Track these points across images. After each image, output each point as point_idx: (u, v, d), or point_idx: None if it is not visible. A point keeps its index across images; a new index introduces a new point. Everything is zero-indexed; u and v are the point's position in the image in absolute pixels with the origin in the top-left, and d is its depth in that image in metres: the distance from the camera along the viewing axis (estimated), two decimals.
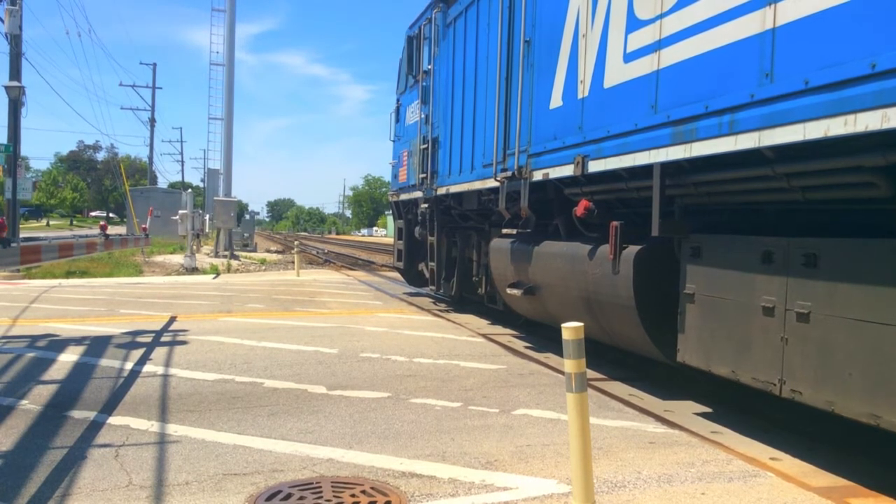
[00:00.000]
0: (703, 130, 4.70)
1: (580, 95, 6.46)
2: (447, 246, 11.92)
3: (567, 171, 6.64)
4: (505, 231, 8.97)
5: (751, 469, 4.23)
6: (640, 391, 6.41)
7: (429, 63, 11.75)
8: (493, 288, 9.87)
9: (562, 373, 6.12)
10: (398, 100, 14.21)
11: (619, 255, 5.89)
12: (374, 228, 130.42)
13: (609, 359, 7.53)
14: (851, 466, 4.42)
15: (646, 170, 5.50)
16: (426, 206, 11.89)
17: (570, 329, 3.42)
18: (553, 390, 6.11)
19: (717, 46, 4.63)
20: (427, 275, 12.55)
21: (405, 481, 3.93)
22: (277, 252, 36.54)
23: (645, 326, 5.73)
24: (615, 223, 5.96)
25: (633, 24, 5.60)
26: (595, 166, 6.16)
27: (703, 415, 5.65)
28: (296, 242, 28.84)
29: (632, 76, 5.61)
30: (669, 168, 5.27)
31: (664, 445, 4.65)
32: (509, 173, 7.86)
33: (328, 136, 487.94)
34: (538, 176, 7.34)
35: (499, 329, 10.08)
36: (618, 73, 5.83)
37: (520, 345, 8.71)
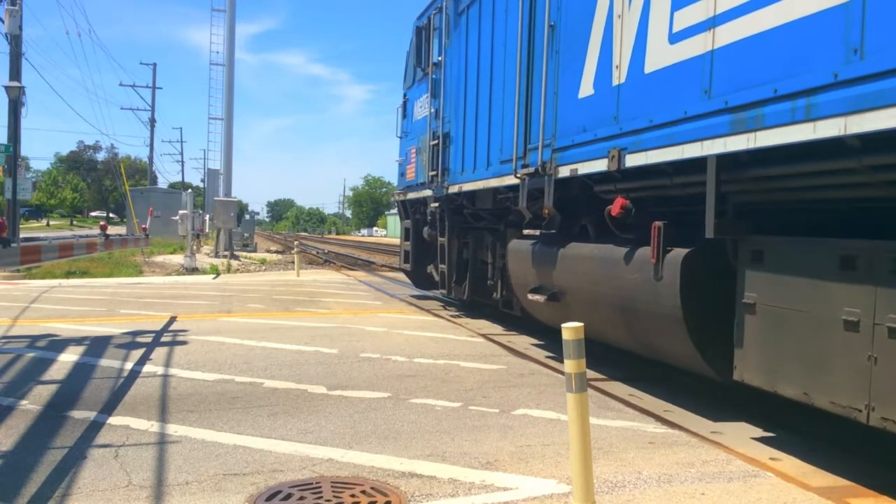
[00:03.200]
0: (770, 117, 4.14)
1: (615, 82, 5.88)
2: (458, 247, 11.34)
3: (599, 165, 6.07)
4: (526, 232, 8.41)
5: (751, 469, 4.23)
6: (640, 391, 6.41)
7: (439, 54, 11.13)
8: (510, 293, 9.29)
9: (562, 373, 6.12)
10: (405, 94, 13.67)
11: (662, 258, 5.34)
12: (374, 228, 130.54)
13: (609, 359, 7.52)
14: (851, 466, 4.42)
15: (694, 163, 4.97)
16: (436, 205, 11.35)
17: (570, 329, 3.42)
18: (553, 390, 6.11)
19: (789, 21, 4.06)
20: (437, 277, 12.09)
21: (405, 481, 3.93)
22: (277, 252, 36.54)
23: (693, 339, 5.13)
24: (658, 223, 5.40)
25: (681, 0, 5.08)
26: (634, 160, 5.59)
27: (703, 415, 5.64)
28: (296, 242, 28.85)
29: (679, 59, 5.06)
30: (725, 161, 4.73)
31: (664, 445, 4.65)
32: (531, 169, 7.27)
33: (328, 136, 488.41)
34: (565, 172, 6.74)
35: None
36: (662, 55, 5.27)
37: (520, 345, 8.71)
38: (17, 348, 7.65)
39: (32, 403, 5.45)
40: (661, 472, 4.13)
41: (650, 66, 5.43)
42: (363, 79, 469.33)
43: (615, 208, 5.98)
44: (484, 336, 9.16)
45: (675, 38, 5.13)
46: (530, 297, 7.65)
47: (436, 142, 11.08)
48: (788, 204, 4.83)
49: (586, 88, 6.38)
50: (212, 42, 41.31)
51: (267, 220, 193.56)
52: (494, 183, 8.67)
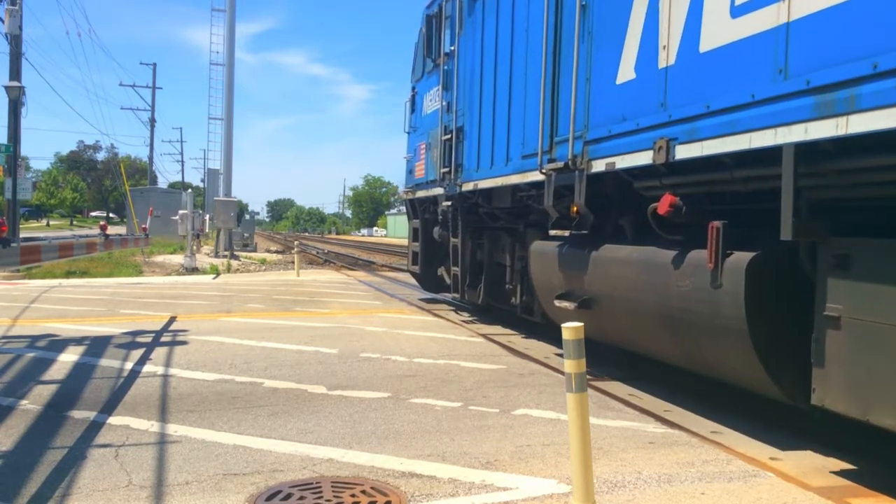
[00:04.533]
0: (868, 98, 3.61)
1: (662, 65, 5.28)
2: (472, 249, 10.59)
3: (642, 158, 5.47)
4: (553, 233, 7.56)
5: (751, 469, 4.23)
6: (640, 391, 6.41)
7: (451, 44, 10.46)
8: (530, 297, 8.71)
9: (562, 373, 6.12)
10: (413, 88, 13.03)
11: (721, 263, 4.71)
12: (374, 228, 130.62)
13: (609, 359, 7.52)
14: (851, 466, 4.42)
15: (762, 154, 4.39)
16: (448, 203, 10.60)
17: (570, 329, 3.42)
18: (553, 390, 6.11)
19: None
20: (448, 280, 11.38)
21: (405, 481, 3.93)
22: (277, 252, 36.55)
23: (760, 356, 4.52)
24: (716, 223, 4.74)
25: None
26: (686, 152, 4.98)
27: (703, 415, 5.64)
28: (296, 242, 28.86)
29: (744, 35, 4.47)
30: (801, 151, 4.12)
31: (664, 445, 4.65)
32: (559, 164, 6.66)
33: (328, 136, 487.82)
34: (599, 166, 6.12)
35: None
36: (721, 32, 4.68)
37: (520, 345, 8.71)
38: (17, 348, 7.65)
39: (32, 403, 5.45)
40: (661, 472, 4.13)
41: (707, 44, 4.83)
42: (363, 79, 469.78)
43: (663, 206, 5.32)
44: (484, 336, 9.16)
45: (738, 10, 4.55)
46: (557, 303, 6.98)
47: (448, 136, 10.42)
48: (878, 200, 4.17)
49: (626, 73, 5.78)
50: (212, 42, 41.34)
51: (267, 220, 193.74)
52: (515, 180, 8.02)
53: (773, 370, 4.54)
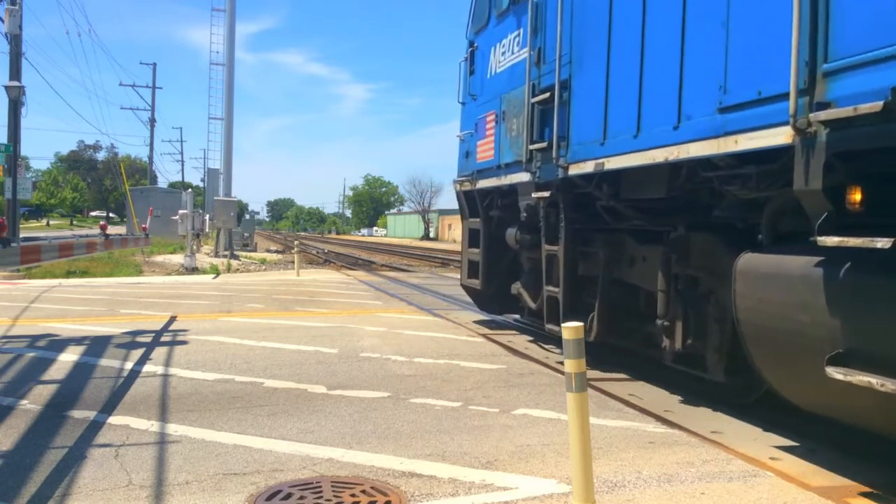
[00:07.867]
0: None
1: None
2: (572, 260, 7.38)
3: None
4: (832, 241, 3.74)
5: (751, 469, 4.23)
6: (640, 391, 6.40)
7: None
8: (701, 342, 5.76)
9: (562, 373, 6.12)
10: (472, 42, 9.91)
11: None
12: (374, 228, 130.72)
13: (609, 359, 7.52)
14: (851, 466, 4.42)
15: None
16: (544, 195, 7.46)
17: (570, 329, 3.42)
18: (553, 390, 6.11)
19: None
20: (531, 303, 8.36)
21: (405, 481, 3.93)
22: (277, 252, 36.58)
23: None
24: None
25: None
26: None
27: (704, 415, 5.64)
28: (296, 242, 28.88)
29: None
30: None
31: (664, 445, 4.65)
32: (863, 108, 3.53)
33: (328, 136, 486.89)
34: None
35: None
36: None
37: (520, 345, 8.70)
38: (17, 348, 7.65)
39: (32, 403, 5.45)
40: (661, 472, 4.13)
41: None
42: (363, 78, 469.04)
43: None
44: (484, 336, 9.16)
45: None
46: (837, 374, 3.71)
47: (542, 97, 7.43)
48: None
49: None
50: (212, 42, 41.29)
51: (267, 219, 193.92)
52: (699, 150, 4.94)
53: None
